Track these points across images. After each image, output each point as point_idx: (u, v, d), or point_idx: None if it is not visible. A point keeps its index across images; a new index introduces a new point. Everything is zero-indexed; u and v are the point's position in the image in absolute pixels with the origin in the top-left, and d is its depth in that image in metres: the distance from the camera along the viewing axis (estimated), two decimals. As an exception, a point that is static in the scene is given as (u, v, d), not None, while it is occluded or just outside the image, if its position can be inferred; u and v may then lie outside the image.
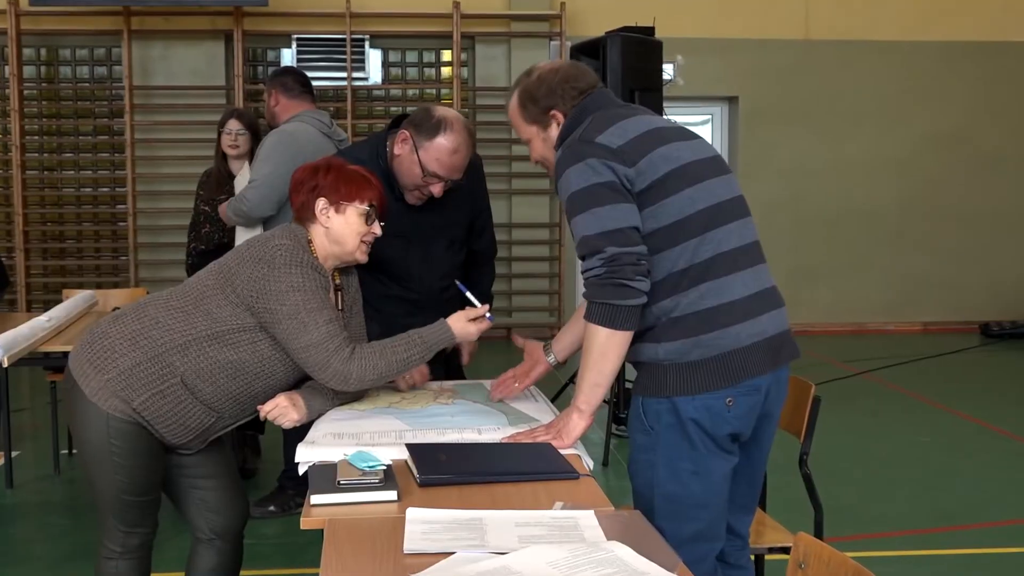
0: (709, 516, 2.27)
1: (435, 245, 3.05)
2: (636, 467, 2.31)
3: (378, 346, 2.48)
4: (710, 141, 9.77)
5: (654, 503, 2.26)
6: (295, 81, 4.41)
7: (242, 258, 2.44)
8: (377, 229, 2.56)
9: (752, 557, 2.58)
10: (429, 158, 2.82)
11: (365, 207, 2.53)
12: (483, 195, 3.18)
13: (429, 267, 3.05)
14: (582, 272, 2.22)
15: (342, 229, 2.52)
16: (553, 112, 2.38)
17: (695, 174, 2.26)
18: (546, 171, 2.48)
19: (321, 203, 2.51)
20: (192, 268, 4.79)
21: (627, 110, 2.35)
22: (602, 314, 2.15)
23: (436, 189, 2.87)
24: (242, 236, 4.38)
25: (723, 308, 2.20)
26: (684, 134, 2.33)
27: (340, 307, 2.60)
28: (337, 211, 2.51)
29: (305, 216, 2.53)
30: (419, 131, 2.84)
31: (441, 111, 2.88)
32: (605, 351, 2.18)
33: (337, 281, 2.61)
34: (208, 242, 4.78)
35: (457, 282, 2.77)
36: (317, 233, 2.52)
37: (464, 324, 2.56)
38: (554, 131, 2.40)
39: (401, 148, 2.87)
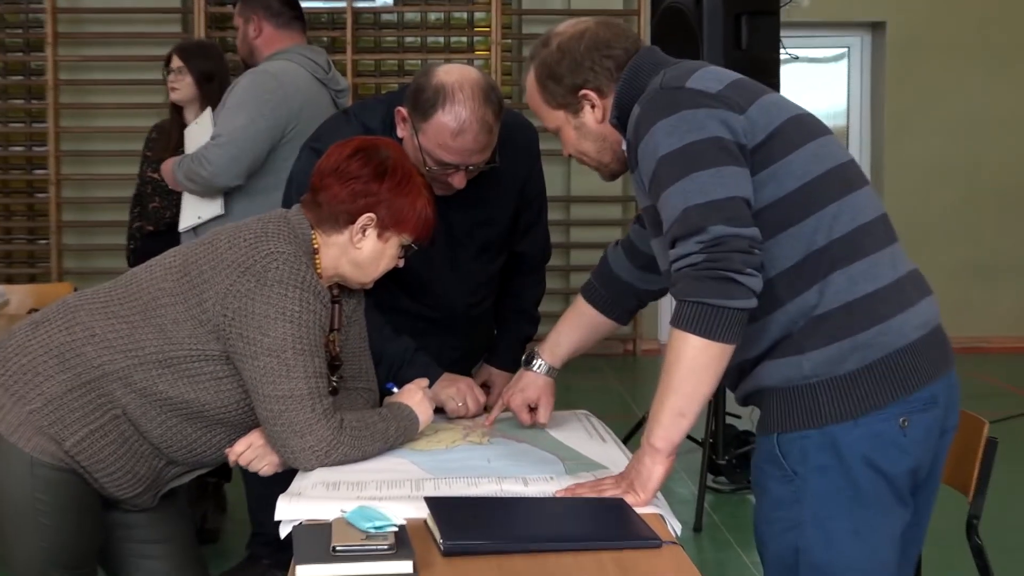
0: None
1: (465, 251, 3.02)
2: (771, 529, 2.31)
3: (358, 418, 2.49)
4: (847, 81, 9.79)
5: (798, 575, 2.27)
6: (283, 4, 4.42)
7: (219, 260, 2.41)
8: (402, 262, 2.59)
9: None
10: (430, 144, 2.74)
11: (410, 241, 2.55)
12: (536, 179, 3.13)
13: (456, 280, 3.03)
14: (672, 260, 2.19)
15: (374, 258, 2.53)
16: (584, 91, 2.43)
17: (811, 127, 2.31)
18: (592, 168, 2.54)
19: (366, 219, 2.48)
20: (136, 255, 4.84)
21: (698, 63, 2.41)
22: (697, 317, 2.13)
23: (456, 180, 2.79)
24: (191, 207, 4.38)
25: (879, 294, 2.22)
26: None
27: (336, 326, 2.61)
28: (380, 236, 2.51)
29: (330, 217, 2.49)
30: (415, 107, 2.75)
31: (441, 74, 2.75)
32: (696, 369, 2.17)
33: (335, 293, 2.61)
34: (158, 221, 4.83)
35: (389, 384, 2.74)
36: (333, 244, 2.50)
37: (421, 402, 2.64)
38: (588, 116, 2.45)
39: (402, 130, 2.82)
